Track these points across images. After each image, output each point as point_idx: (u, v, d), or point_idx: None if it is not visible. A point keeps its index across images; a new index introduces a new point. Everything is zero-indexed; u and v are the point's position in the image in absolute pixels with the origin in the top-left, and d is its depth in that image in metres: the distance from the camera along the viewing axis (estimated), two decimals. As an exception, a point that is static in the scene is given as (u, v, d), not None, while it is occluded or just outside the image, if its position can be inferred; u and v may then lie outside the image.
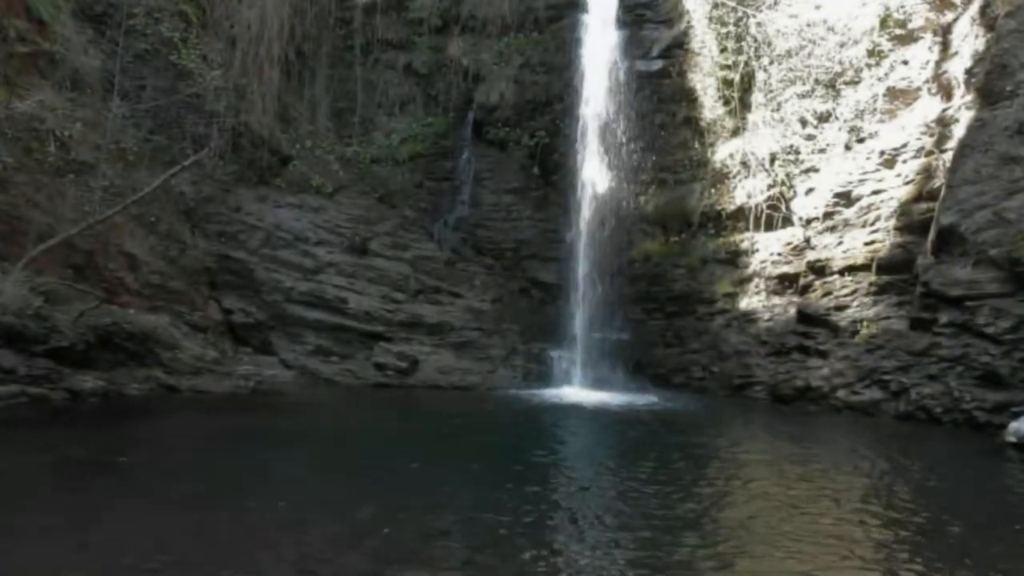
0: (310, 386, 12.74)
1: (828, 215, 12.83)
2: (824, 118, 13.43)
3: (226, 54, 15.88)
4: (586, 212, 15.16)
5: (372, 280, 14.63)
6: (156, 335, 12.02)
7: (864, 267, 12.14)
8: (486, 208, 16.41)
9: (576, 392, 13.00)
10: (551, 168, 16.02)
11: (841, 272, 12.36)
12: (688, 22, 15.10)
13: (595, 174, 15.35)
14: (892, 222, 12.02)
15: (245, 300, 14.12)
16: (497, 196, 16.50)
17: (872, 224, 12.30)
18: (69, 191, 12.61)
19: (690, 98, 15.02)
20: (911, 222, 11.75)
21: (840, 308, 12.23)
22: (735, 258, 14.02)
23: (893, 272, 11.81)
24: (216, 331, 13.87)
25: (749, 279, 13.72)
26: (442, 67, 17.41)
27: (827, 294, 12.47)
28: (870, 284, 12.02)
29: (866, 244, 12.22)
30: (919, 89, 12.60)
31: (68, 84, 13.63)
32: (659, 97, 15.27)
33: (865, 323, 11.86)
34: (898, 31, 12.86)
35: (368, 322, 14.02)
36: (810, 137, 13.46)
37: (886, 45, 12.96)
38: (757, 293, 13.57)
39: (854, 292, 12.16)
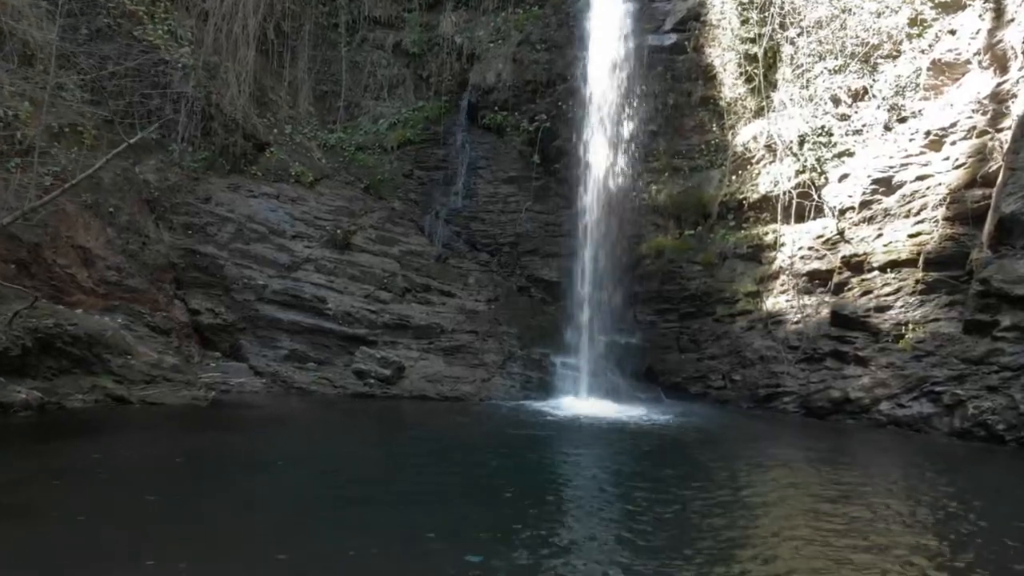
0: (281, 396, 11.32)
1: (865, 204, 11.41)
2: (859, 96, 12.03)
3: (197, 30, 14.63)
4: (591, 203, 13.90)
5: (354, 278, 13.28)
6: (105, 339, 10.62)
7: (909, 262, 10.71)
8: (481, 199, 15.28)
9: (581, 403, 11.61)
10: (553, 155, 14.74)
11: (882, 268, 10.94)
12: (705, -8, 13.73)
13: (601, 161, 14.06)
14: (941, 211, 10.60)
15: (213, 299, 12.81)
16: (494, 186, 15.35)
17: (917, 214, 10.88)
18: (14, 177, 11.27)
19: (708, 76, 13.70)
20: (963, 211, 10.33)
21: (881, 309, 10.80)
22: (758, 253, 12.64)
23: (943, 268, 10.41)
24: (181, 334, 12.51)
25: (775, 276, 12.31)
26: (434, 46, 16.32)
27: (866, 293, 11.04)
28: (916, 282, 10.59)
29: (910, 236, 10.81)
30: (968, 62, 11.18)
31: (15, 59, 12.32)
32: (673, 75, 13.97)
33: (911, 326, 10.44)
34: (943, -3, 11.46)
35: (349, 324, 12.62)
36: (844, 117, 12.05)
37: (930, 13, 11.58)
38: (784, 292, 12.13)
39: (897, 291, 10.73)
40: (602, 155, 14.02)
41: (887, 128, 11.61)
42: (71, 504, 5.40)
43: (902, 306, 10.65)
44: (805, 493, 6.81)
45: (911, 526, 5.71)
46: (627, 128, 13.99)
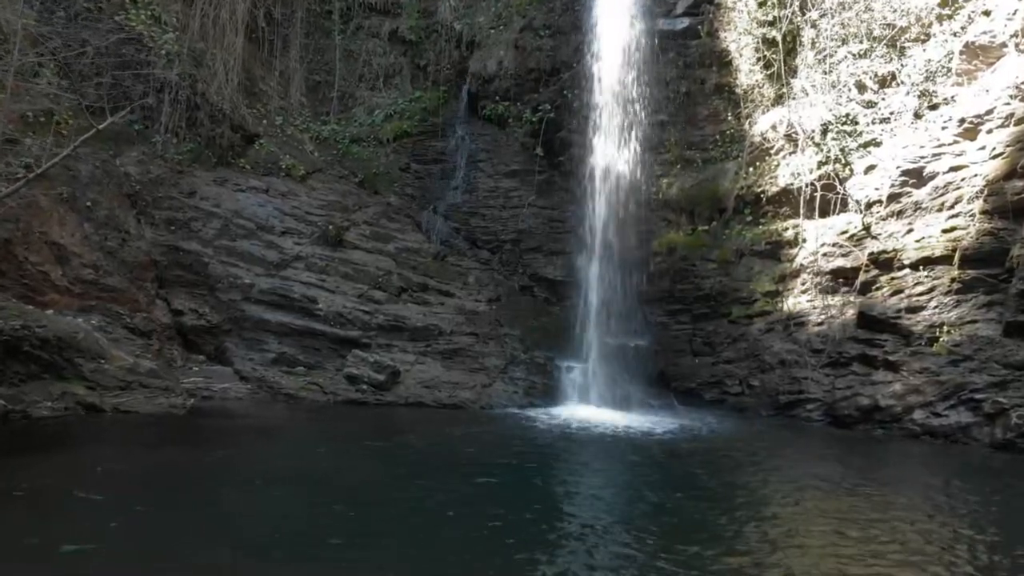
0: (267, 403, 10.54)
1: (894, 197, 10.64)
2: (886, 82, 11.28)
3: (182, 15, 13.87)
4: (598, 198, 13.19)
5: (347, 276, 12.52)
6: (76, 341, 9.84)
7: (943, 259, 9.94)
8: (482, 194, 14.60)
9: (589, 411, 10.84)
10: (557, 147, 14.02)
11: (913, 266, 10.17)
12: (720, -28, 12.97)
13: (608, 153, 13.32)
14: (978, 204, 9.82)
15: (197, 299, 12.05)
16: (495, 180, 14.68)
17: (951, 207, 10.10)
18: (-19, 169, 10.54)
19: (723, 61, 12.97)
20: (1003, 203, 9.56)
21: (913, 310, 10.03)
22: (777, 250, 11.89)
23: (981, 265, 9.64)
24: (162, 336, 11.75)
25: (795, 275, 11.54)
26: (432, 33, 15.62)
27: (896, 293, 10.26)
28: (951, 280, 9.82)
29: (944, 231, 10.03)
30: (1004, 45, 10.41)
31: (-16, 43, 11.59)
32: (685, 61, 13.27)
33: (946, 328, 9.68)
34: (977, -25, 10.69)
35: (341, 325, 11.86)
36: (870, 104, 11.29)
37: (962, -7, 10.80)
38: (805, 291, 11.36)
39: (931, 290, 9.96)
40: (609, 147, 13.29)
41: (917, 116, 10.84)
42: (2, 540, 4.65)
43: (936, 307, 9.88)
44: (865, 527, 6.03)
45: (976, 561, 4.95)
46: (636, 118, 13.23)
